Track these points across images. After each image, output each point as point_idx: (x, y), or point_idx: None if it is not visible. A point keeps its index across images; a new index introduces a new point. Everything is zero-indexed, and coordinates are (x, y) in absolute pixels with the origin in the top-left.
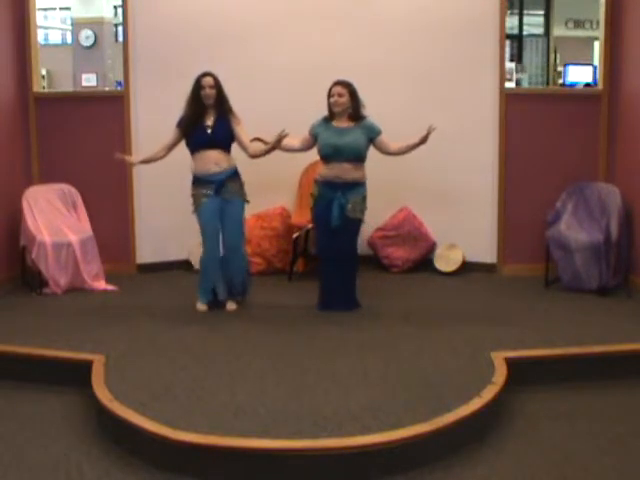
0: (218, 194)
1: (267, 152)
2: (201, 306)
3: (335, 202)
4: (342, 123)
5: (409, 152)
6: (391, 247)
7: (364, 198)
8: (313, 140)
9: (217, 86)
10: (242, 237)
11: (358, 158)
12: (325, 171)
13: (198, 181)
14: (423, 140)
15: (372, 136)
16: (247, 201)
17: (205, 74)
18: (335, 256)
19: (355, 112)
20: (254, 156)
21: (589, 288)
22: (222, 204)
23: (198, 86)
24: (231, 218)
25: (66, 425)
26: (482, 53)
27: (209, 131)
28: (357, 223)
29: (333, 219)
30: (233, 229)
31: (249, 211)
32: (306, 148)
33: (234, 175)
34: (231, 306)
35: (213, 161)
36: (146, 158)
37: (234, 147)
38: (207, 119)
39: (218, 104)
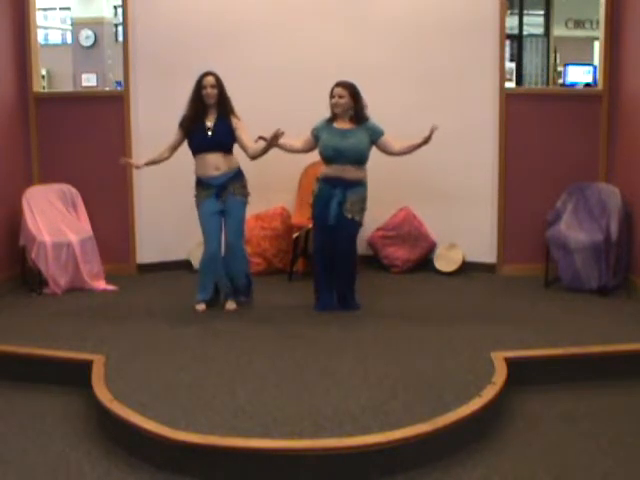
0: (219, 197)
1: (265, 151)
2: (199, 306)
3: (334, 200)
4: (344, 125)
5: (412, 152)
6: (391, 247)
7: (363, 199)
8: (315, 141)
9: (219, 86)
10: (241, 236)
11: (360, 160)
12: (326, 170)
13: (200, 183)
14: (426, 140)
15: (375, 138)
16: (248, 197)
17: (206, 74)
18: (330, 255)
19: (357, 114)
20: (253, 157)
21: (589, 288)
22: (223, 204)
23: (199, 86)
24: (232, 216)
25: (66, 425)
26: (482, 53)
27: (209, 133)
28: (354, 225)
29: (330, 217)
30: (233, 227)
31: (249, 211)
32: (308, 149)
33: (235, 176)
34: (231, 305)
35: (213, 165)
36: (151, 160)
37: (235, 146)
38: (208, 120)
39: (219, 104)
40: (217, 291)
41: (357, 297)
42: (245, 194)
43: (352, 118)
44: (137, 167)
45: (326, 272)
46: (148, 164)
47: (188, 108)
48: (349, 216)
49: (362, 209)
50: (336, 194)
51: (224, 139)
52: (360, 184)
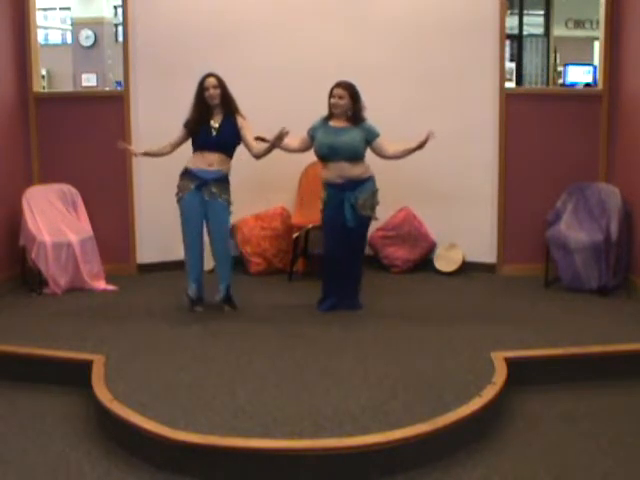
0: (199, 190)
1: (269, 150)
2: (198, 307)
3: (346, 203)
4: (339, 123)
5: (406, 157)
6: (391, 247)
7: (374, 193)
8: (311, 141)
9: (221, 86)
10: (225, 241)
11: (354, 157)
12: (326, 173)
13: (185, 173)
14: (421, 145)
15: (370, 138)
16: (230, 203)
17: (208, 75)
18: (344, 256)
19: (355, 115)
20: (258, 156)
21: (589, 288)
22: (204, 203)
23: (202, 88)
24: (215, 220)
25: (66, 425)
26: (482, 53)
27: (214, 133)
28: (367, 221)
29: (348, 220)
30: (217, 232)
31: (249, 211)
32: (305, 148)
33: (222, 179)
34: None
35: (207, 161)
36: (150, 151)
37: (238, 148)
38: (214, 120)
39: (224, 104)
40: (201, 298)
41: (360, 296)
42: (229, 201)
43: (349, 118)
44: (135, 155)
45: (337, 273)
46: (147, 154)
47: (192, 110)
48: (363, 213)
49: (374, 204)
50: (347, 197)
51: (229, 140)
52: (367, 180)
